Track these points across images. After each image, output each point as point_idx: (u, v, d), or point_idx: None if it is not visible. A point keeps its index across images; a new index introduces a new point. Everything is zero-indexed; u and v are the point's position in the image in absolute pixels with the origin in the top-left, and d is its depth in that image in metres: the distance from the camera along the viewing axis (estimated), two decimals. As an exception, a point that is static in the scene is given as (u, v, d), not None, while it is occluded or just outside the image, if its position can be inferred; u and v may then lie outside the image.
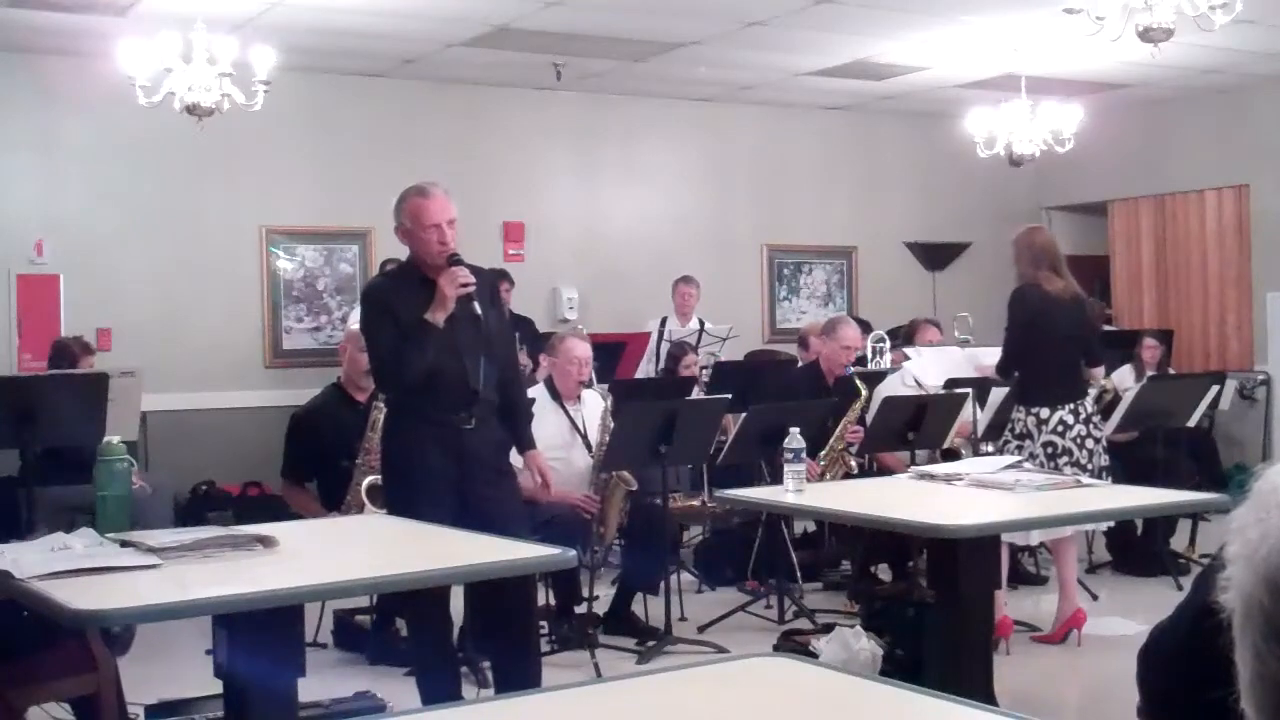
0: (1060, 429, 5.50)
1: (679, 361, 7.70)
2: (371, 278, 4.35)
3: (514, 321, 8.73)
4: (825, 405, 6.35)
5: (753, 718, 1.90)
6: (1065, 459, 5.46)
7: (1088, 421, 5.59)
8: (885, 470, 6.32)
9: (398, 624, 5.53)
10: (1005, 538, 5.88)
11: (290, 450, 5.77)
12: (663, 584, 5.76)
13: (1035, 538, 5.67)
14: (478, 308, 4.33)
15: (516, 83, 9.26)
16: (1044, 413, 5.50)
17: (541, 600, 5.75)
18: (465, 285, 4.26)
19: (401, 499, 4.27)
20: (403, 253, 4.59)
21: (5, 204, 8.10)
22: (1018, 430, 5.56)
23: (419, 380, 4.27)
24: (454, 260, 4.31)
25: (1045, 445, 5.48)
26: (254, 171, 8.69)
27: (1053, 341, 5.53)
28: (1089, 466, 5.50)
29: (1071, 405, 5.54)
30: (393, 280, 4.63)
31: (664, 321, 8.97)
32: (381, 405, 5.49)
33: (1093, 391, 6.15)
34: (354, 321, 7.92)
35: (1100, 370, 5.97)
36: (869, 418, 6.31)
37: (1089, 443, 5.55)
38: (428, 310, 4.24)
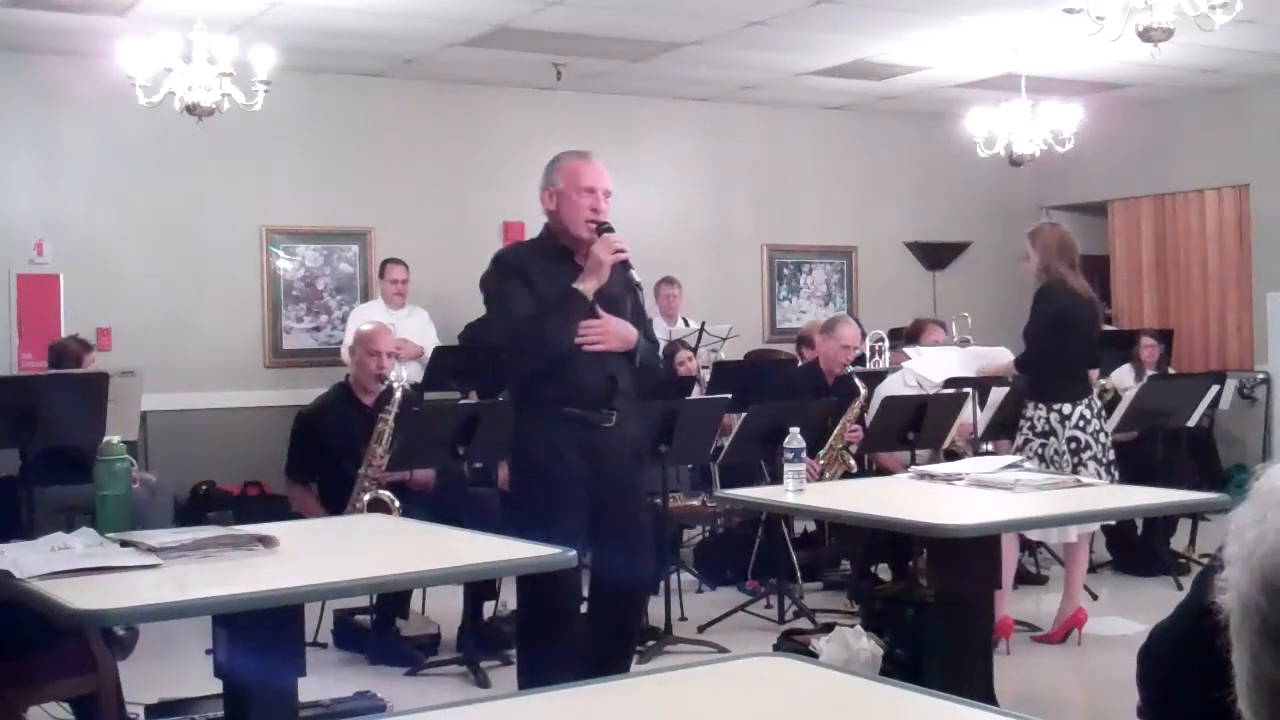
0: (1081, 424, 5.51)
1: (673, 359, 7.65)
2: (504, 246, 3.91)
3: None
4: (825, 405, 6.36)
5: (753, 718, 1.90)
6: (1087, 453, 5.48)
7: (1099, 415, 5.63)
8: (884, 470, 6.32)
9: (398, 624, 5.53)
10: (1038, 535, 5.90)
11: (294, 449, 5.78)
12: (663, 584, 5.76)
13: (1073, 534, 5.64)
14: (636, 275, 3.99)
15: (516, 83, 9.26)
16: (1066, 408, 5.51)
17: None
18: (620, 250, 3.94)
19: (533, 507, 3.94)
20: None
21: (5, 204, 8.11)
22: (1039, 428, 5.54)
23: (559, 355, 3.90)
24: (604, 229, 3.99)
25: (1070, 441, 5.48)
26: (254, 171, 8.69)
27: (1075, 338, 5.55)
28: (1104, 461, 5.53)
29: (1087, 400, 5.57)
30: (528, 248, 4.20)
31: (650, 323, 8.89)
32: (386, 417, 5.48)
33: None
34: (356, 321, 7.94)
35: (1096, 370, 5.98)
36: (868, 417, 6.31)
37: (1102, 436, 5.58)
38: (576, 280, 3.91)
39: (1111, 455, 5.63)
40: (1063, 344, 5.53)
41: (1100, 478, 5.28)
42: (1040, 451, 5.46)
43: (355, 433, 5.54)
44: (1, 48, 7.90)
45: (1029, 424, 5.60)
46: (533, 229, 9.84)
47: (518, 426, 4.07)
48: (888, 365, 7.63)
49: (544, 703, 2.07)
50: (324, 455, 5.64)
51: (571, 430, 3.95)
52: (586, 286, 3.92)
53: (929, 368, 6.30)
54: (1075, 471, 5.24)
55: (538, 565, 3.11)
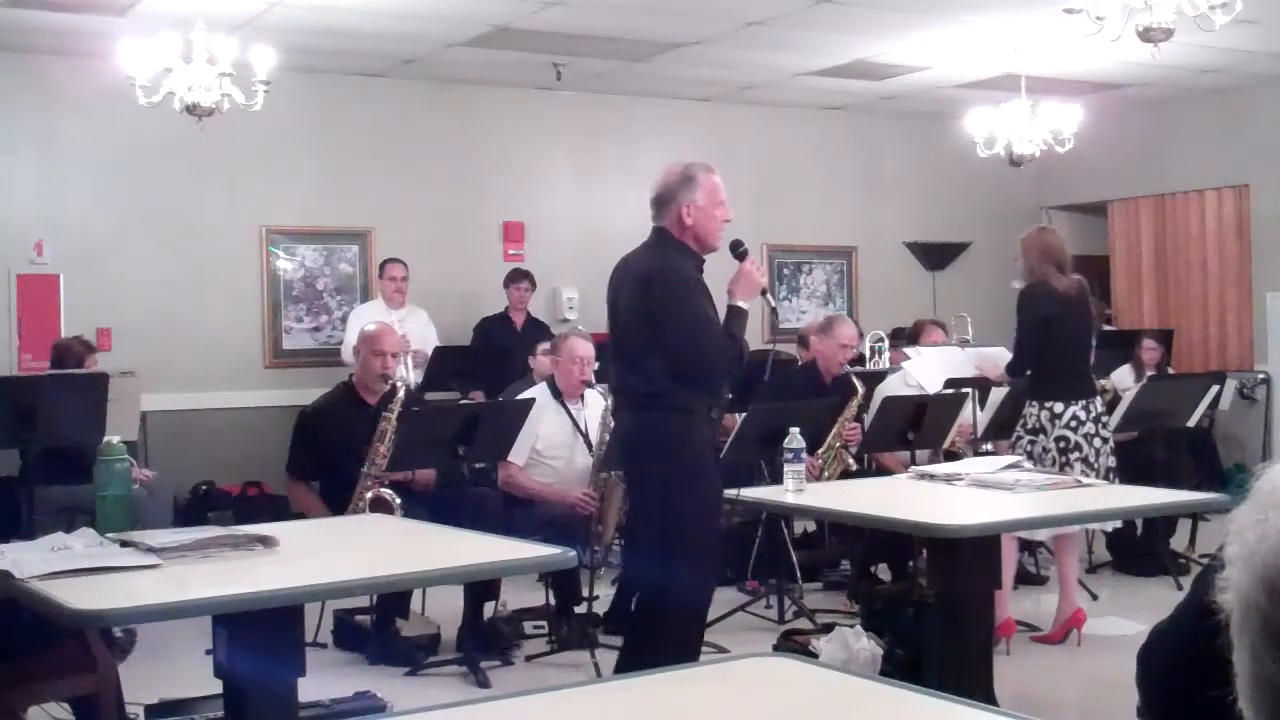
0: (1073, 424, 5.51)
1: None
2: (659, 256, 4.11)
3: (532, 325, 8.73)
4: (825, 404, 6.35)
5: (753, 718, 1.90)
6: (1076, 454, 5.48)
7: (1097, 420, 5.61)
8: (884, 469, 6.32)
9: (398, 624, 5.53)
10: (1025, 531, 5.91)
11: (296, 446, 5.78)
12: (663, 584, 5.75)
13: (1042, 534, 5.68)
14: (772, 300, 4.34)
15: (516, 83, 9.26)
16: (1058, 407, 5.52)
17: (541, 600, 5.76)
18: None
19: (709, 502, 4.18)
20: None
21: (5, 204, 8.10)
22: (1030, 425, 5.56)
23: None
24: (738, 245, 4.24)
25: (1058, 440, 5.49)
26: (254, 171, 8.68)
27: (1064, 338, 5.56)
28: (1096, 465, 5.51)
29: (1084, 402, 5.56)
30: (683, 262, 4.19)
31: None
32: (389, 415, 5.47)
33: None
34: (357, 321, 7.94)
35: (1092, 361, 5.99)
36: (867, 417, 6.31)
37: (1097, 441, 5.57)
38: (732, 295, 4.16)
39: (1111, 462, 5.61)
40: (1050, 346, 5.54)
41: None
42: (1029, 448, 5.48)
43: (358, 432, 5.54)
44: (1, 48, 7.90)
45: (1022, 421, 5.63)
46: (533, 229, 9.88)
47: (683, 439, 4.08)
48: (887, 365, 7.63)
49: (544, 703, 2.07)
50: (326, 454, 5.64)
51: (712, 431, 4.24)
52: (750, 303, 4.15)
53: (924, 375, 6.30)
54: (1061, 472, 5.24)
55: (538, 565, 3.11)
